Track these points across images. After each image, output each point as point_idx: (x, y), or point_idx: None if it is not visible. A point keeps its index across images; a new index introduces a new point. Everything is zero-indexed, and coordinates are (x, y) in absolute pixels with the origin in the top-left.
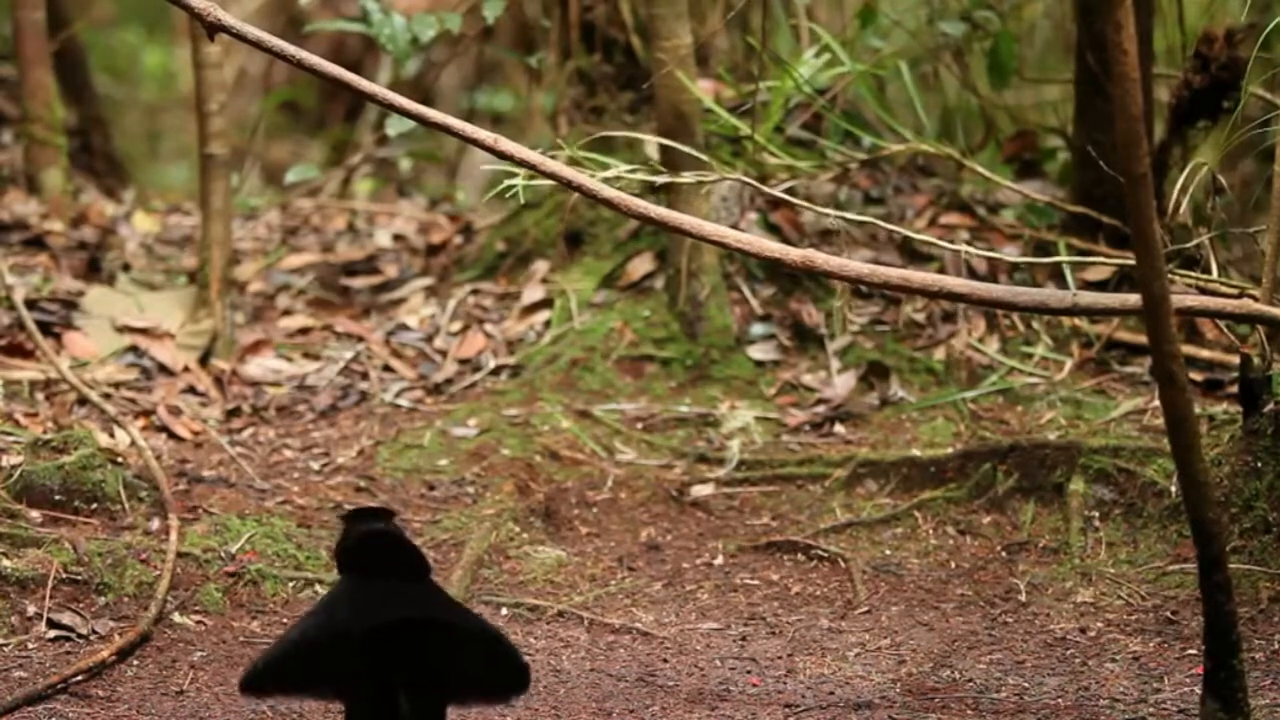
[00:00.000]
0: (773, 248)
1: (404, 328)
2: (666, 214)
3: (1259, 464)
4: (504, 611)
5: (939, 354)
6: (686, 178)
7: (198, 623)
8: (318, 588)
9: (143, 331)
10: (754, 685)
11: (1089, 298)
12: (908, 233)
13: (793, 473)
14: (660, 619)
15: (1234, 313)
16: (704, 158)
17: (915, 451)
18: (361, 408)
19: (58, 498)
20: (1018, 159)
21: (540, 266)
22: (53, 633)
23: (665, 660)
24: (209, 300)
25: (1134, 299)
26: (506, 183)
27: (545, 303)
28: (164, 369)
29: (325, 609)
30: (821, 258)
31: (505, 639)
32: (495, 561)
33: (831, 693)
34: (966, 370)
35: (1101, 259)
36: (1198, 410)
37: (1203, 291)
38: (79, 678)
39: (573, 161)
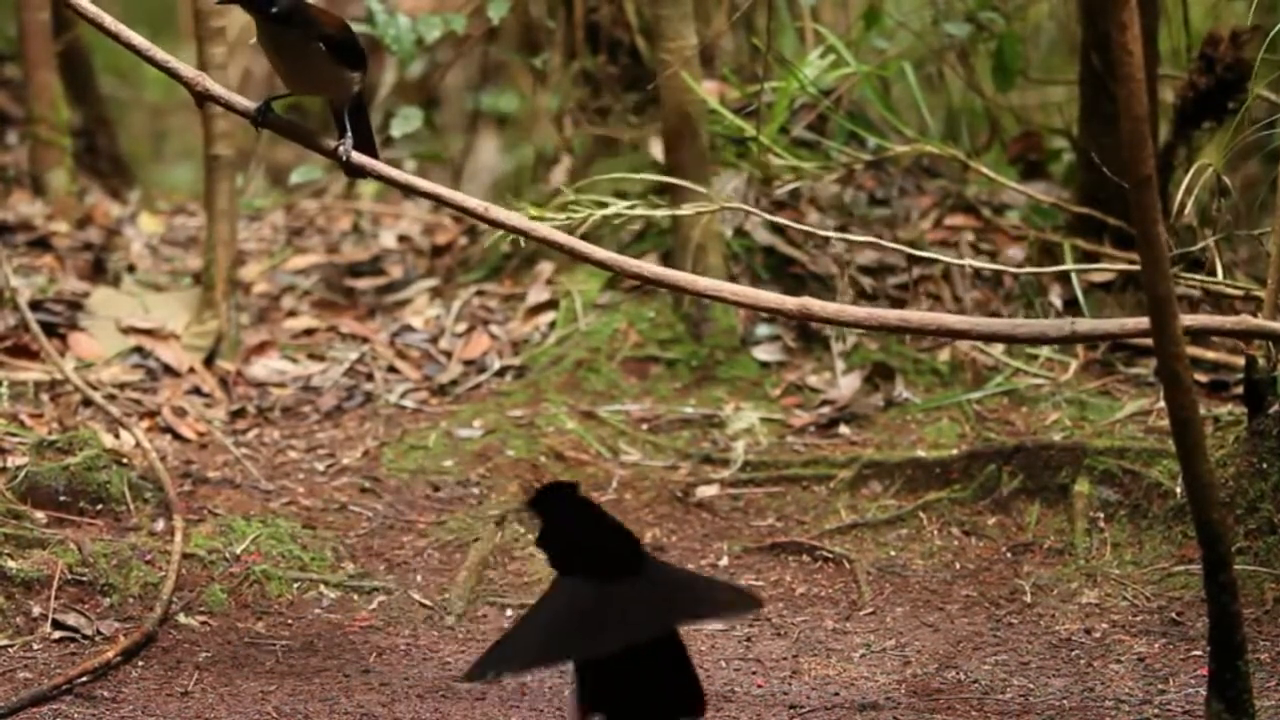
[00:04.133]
0: (769, 299)
1: (409, 329)
2: (661, 272)
3: (1264, 465)
4: (509, 613)
5: (944, 355)
6: (686, 210)
7: (202, 624)
8: (323, 588)
9: (148, 332)
10: (759, 686)
11: (1087, 325)
12: (908, 250)
13: (798, 474)
14: None
15: (1233, 329)
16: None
17: (920, 452)
18: (366, 409)
19: (63, 499)
20: (1022, 160)
21: (545, 268)
22: (58, 633)
23: None
24: (214, 301)
25: (1133, 324)
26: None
27: (550, 304)
28: (169, 370)
29: (555, 629)
30: (818, 305)
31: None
32: (500, 563)
33: (836, 694)
34: (971, 371)
35: (1106, 261)
36: (1203, 411)
37: (1208, 293)
38: (84, 678)
39: (570, 204)
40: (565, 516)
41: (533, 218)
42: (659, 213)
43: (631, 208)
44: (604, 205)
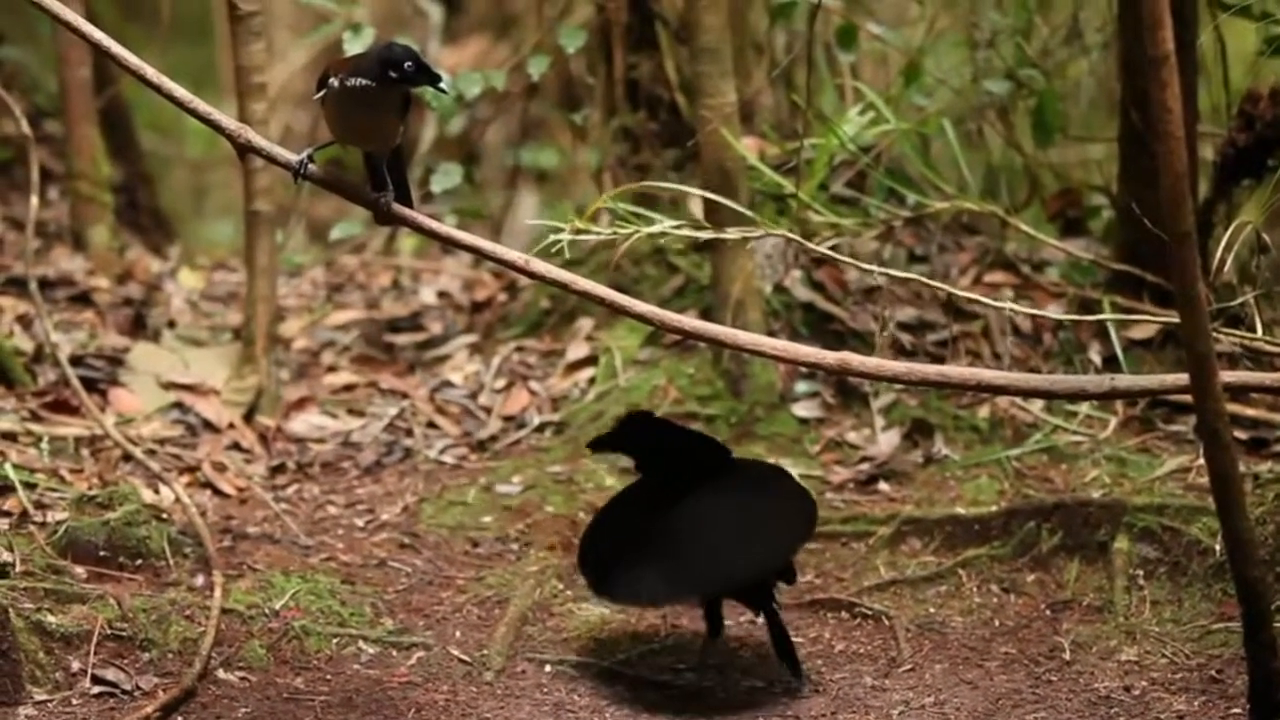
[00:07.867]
0: (808, 353)
1: (448, 384)
2: (701, 326)
3: None
4: (548, 669)
5: (983, 412)
6: (731, 234)
7: (242, 679)
8: (362, 644)
9: (188, 388)
10: None
11: (1126, 381)
12: (950, 289)
13: (837, 530)
14: (703, 677)
15: (1273, 386)
16: (748, 213)
17: (959, 509)
18: (406, 464)
19: (103, 553)
20: (1062, 217)
21: (585, 324)
22: (97, 689)
23: (709, 718)
24: (254, 357)
25: (1172, 380)
26: (553, 237)
27: (590, 360)
28: (209, 425)
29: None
30: (857, 360)
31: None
32: (539, 619)
33: None
34: (1011, 428)
35: (1146, 317)
36: (1242, 468)
37: (1247, 350)
38: None
39: (617, 217)
40: (658, 438)
41: (577, 231)
42: (704, 235)
43: (679, 227)
44: (650, 221)
